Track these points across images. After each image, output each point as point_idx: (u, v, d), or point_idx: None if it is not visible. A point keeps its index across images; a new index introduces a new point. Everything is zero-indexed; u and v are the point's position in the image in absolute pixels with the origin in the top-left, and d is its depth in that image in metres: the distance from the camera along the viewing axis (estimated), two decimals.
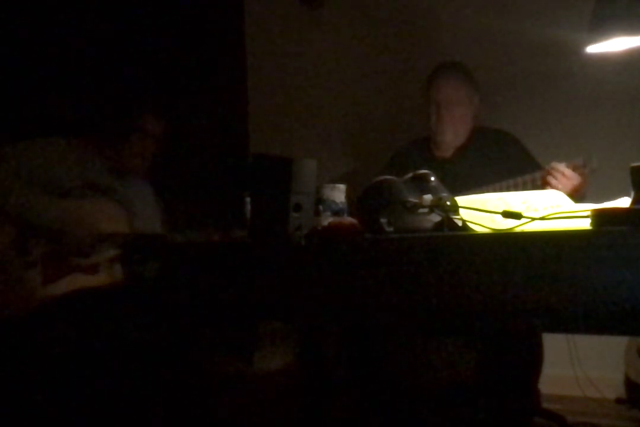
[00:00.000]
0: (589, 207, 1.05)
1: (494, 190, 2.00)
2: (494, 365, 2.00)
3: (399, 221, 1.20)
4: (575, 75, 2.68)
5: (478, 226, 1.14)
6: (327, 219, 1.48)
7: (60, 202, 2.12)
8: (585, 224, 0.99)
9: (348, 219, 1.41)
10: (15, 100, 2.72)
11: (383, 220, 1.20)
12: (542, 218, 1.08)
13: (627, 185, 1.00)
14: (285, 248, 1.28)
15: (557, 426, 2.25)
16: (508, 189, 2.01)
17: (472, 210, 1.17)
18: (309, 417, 2.15)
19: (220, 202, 2.30)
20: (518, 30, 2.75)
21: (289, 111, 3.41)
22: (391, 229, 1.20)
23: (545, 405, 2.26)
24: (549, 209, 1.20)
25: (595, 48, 1.72)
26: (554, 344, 2.21)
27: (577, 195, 1.86)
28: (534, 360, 2.03)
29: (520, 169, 2.11)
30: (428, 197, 1.19)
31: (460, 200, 1.24)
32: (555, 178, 1.93)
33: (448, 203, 1.18)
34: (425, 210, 1.19)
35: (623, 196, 1.15)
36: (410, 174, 1.30)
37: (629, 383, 2.53)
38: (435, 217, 1.19)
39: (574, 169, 1.94)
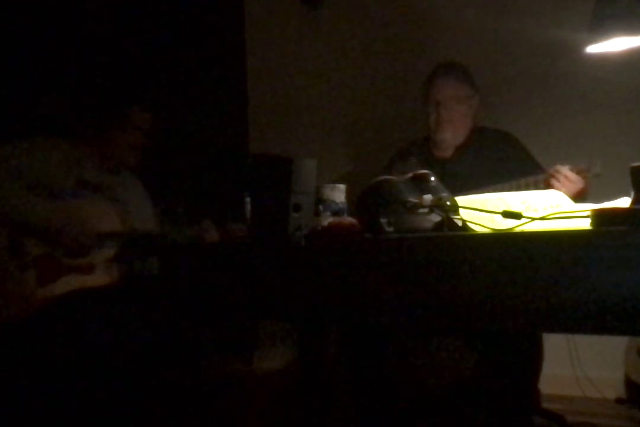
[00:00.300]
0: (589, 207, 1.05)
1: (496, 191, 2.00)
2: (494, 365, 2.00)
3: (399, 221, 1.20)
4: (575, 75, 2.68)
5: (478, 226, 1.14)
6: (327, 219, 1.49)
7: (52, 203, 2.11)
8: (585, 224, 0.99)
9: (348, 219, 1.41)
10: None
11: (383, 220, 1.20)
12: (542, 218, 1.08)
13: (627, 185, 1.00)
14: (285, 248, 1.28)
15: (557, 425, 2.25)
16: (510, 190, 2.00)
17: (472, 210, 1.17)
18: (309, 417, 2.15)
19: (220, 202, 2.31)
20: (518, 30, 2.75)
21: (289, 111, 3.41)
22: (391, 229, 1.19)
23: (545, 405, 2.26)
24: (549, 209, 1.20)
25: (595, 48, 1.73)
26: (554, 344, 2.21)
27: (578, 199, 1.86)
28: (534, 360, 2.03)
29: (520, 169, 2.11)
30: (428, 197, 1.19)
31: (460, 200, 1.24)
32: (559, 181, 1.92)
33: (448, 203, 1.18)
34: (425, 210, 1.19)
35: (623, 196, 1.15)
36: (410, 174, 1.30)
37: (629, 383, 2.53)
38: (435, 217, 1.19)
39: (578, 173, 1.94)
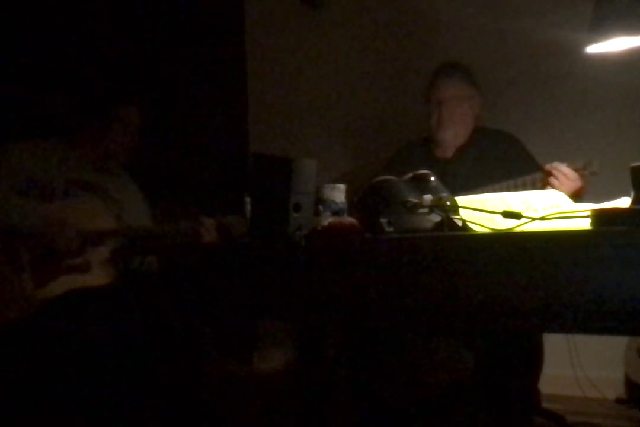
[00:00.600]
0: (589, 207, 1.05)
1: (494, 191, 2.00)
2: (494, 365, 2.00)
3: (399, 221, 1.20)
4: (575, 75, 2.68)
5: (478, 226, 1.14)
6: (327, 219, 1.49)
7: (44, 204, 2.11)
8: (585, 224, 0.99)
9: (348, 219, 1.41)
10: None
11: (383, 220, 1.20)
12: (542, 218, 1.08)
13: (627, 185, 1.00)
14: (285, 248, 1.28)
15: (557, 425, 2.25)
16: (508, 190, 2.00)
17: (472, 210, 1.17)
18: (309, 417, 2.15)
19: (220, 202, 2.30)
20: (518, 30, 2.74)
21: (289, 111, 3.41)
22: (391, 229, 1.20)
23: (545, 405, 2.26)
24: (549, 209, 1.20)
25: (595, 48, 1.72)
26: (554, 344, 2.21)
27: (576, 198, 1.85)
28: (534, 360, 2.03)
29: (520, 170, 2.11)
30: (428, 197, 1.19)
31: (460, 200, 1.24)
32: (557, 179, 1.92)
33: (448, 203, 1.18)
34: (425, 210, 1.19)
35: (623, 196, 1.15)
36: (410, 174, 1.30)
37: (629, 383, 2.53)
38: (435, 217, 1.19)
39: (575, 171, 1.94)
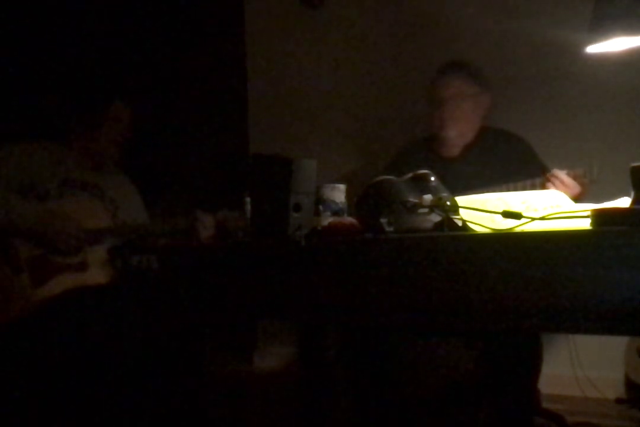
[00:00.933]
0: (589, 207, 1.05)
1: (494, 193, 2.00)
2: (494, 365, 2.00)
3: (399, 221, 1.20)
4: (575, 75, 2.68)
5: (478, 226, 1.14)
6: (327, 219, 1.49)
7: (39, 204, 2.12)
8: (585, 224, 0.99)
9: (348, 219, 1.41)
10: None
11: (383, 220, 1.20)
12: (542, 218, 1.08)
13: (627, 185, 1.00)
14: (285, 248, 1.28)
15: (557, 425, 2.25)
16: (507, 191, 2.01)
17: (472, 210, 1.17)
18: (309, 417, 2.15)
19: (220, 202, 2.30)
20: (518, 30, 2.74)
21: (289, 111, 3.41)
22: (391, 229, 1.20)
23: (545, 405, 2.26)
24: (549, 209, 1.21)
25: (595, 48, 1.72)
26: (554, 344, 2.21)
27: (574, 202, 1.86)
28: (534, 360, 2.03)
29: (526, 171, 2.11)
30: (428, 197, 1.19)
31: (460, 200, 1.24)
32: (554, 185, 1.93)
33: (448, 203, 1.18)
34: (425, 210, 1.19)
35: (623, 196, 1.15)
36: (410, 174, 1.30)
37: (629, 383, 2.53)
38: (435, 217, 1.19)
39: (575, 178, 1.95)
